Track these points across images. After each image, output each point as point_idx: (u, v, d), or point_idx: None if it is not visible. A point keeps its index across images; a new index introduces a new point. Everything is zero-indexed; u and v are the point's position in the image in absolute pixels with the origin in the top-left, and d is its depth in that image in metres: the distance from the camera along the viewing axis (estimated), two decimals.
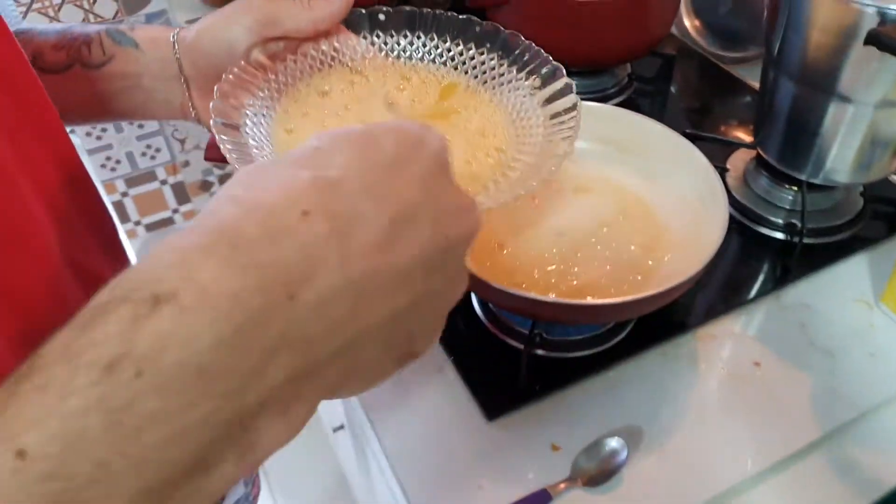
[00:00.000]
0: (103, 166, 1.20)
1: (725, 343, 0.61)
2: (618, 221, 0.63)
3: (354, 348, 0.24)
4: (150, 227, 1.35)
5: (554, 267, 0.60)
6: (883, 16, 0.51)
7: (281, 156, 0.25)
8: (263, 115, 0.49)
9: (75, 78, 0.49)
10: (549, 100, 0.50)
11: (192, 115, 0.50)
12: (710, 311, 0.63)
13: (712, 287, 0.64)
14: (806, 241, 0.66)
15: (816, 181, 0.66)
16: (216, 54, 0.47)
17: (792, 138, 0.65)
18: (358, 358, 0.24)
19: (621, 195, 0.65)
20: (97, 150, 1.18)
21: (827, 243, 0.68)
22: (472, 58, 0.52)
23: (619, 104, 0.85)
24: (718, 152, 0.76)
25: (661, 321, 0.60)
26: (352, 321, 0.23)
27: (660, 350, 0.60)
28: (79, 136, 1.14)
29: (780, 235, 0.68)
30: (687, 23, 0.95)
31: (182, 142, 1.25)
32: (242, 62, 0.47)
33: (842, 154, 0.62)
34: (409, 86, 0.53)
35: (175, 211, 1.36)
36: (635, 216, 0.63)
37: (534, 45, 0.51)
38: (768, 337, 0.61)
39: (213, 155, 0.59)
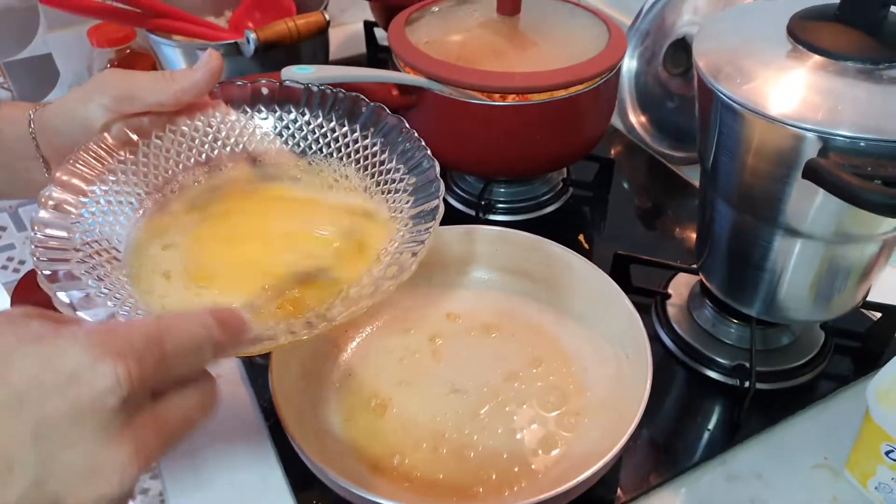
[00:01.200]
0: (5, 267, 1.10)
1: None
2: (530, 375, 0.52)
3: None
4: None
5: (447, 435, 0.49)
6: (825, 142, 0.42)
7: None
8: (120, 202, 0.43)
9: None
10: (416, 202, 0.45)
11: None
12: (640, 483, 0.51)
13: (644, 449, 0.53)
14: (758, 386, 0.55)
15: (767, 318, 0.56)
16: (70, 133, 0.44)
17: (735, 269, 0.55)
18: None
19: (536, 338, 0.55)
20: None
21: (783, 389, 0.57)
22: (356, 141, 0.49)
23: (554, 213, 0.76)
24: (659, 274, 0.66)
25: (580, 497, 0.49)
26: None
27: None
28: None
29: (727, 380, 0.58)
30: (632, 118, 0.87)
31: None
32: (92, 142, 0.43)
33: (794, 290, 0.53)
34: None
35: None
36: (551, 366, 0.53)
37: (415, 134, 0.48)
38: None
39: (23, 301, 0.50)
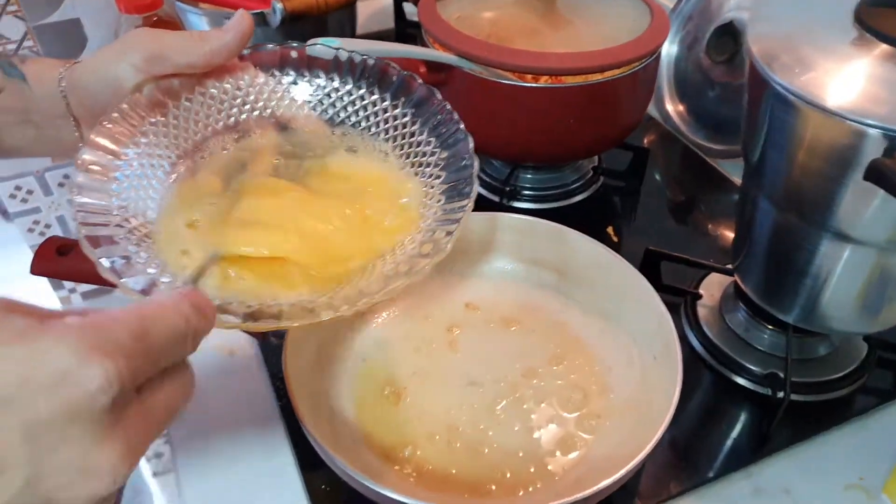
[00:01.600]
0: (31, 230, 1.10)
1: None
2: (550, 372, 0.50)
3: None
4: (87, 295, 1.23)
5: (462, 429, 0.46)
6: (891, 141, 0.38)
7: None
8: (153, 165, 0.42)
9: None
10: (449, 177, 0.43)
11: None
12: (659, 490, 0.49)
13: (665, 456, 0.51)
14: (792, 397, 0.52)
15: (806, 327, 0.53)
16: (101, 93, 0.43)
17: (774, 272, 0.52)
18: None
19: (558, 334, 0.52)
20: (23, 213, 1.08)
21: (817, 402, 0.54)
22: (386, 110, 0.46)
23: (583, 202, 0.73)
24: (690, 273, 0.63)
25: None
26: None
27: None
28: (2, 198, 1.05)
29: (758, 388, 0.55)
30: (669, 107, 0.83)
31: None
32: (125, 104, 0.41)
33: (839, 299, 0.49)
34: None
35: None
36: (573, 364, 0.50)
37: (448, 106, 0.45)
38: None
39: (42, 269, 0.48)
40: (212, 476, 0.49)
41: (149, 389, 0.26)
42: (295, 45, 0.48)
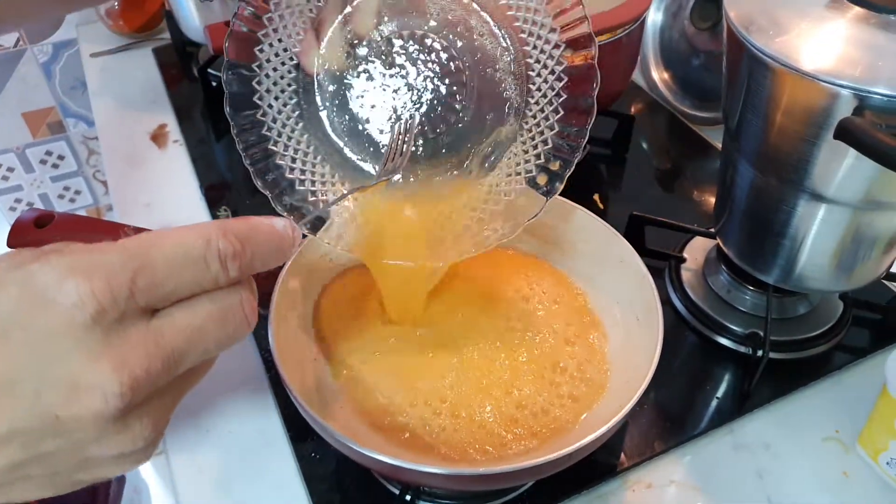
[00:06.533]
0: (12, 209, 1.10)
1: (663, 495, 0.48)
2: (534, 336, 0.51)
3: None
4: None
5: (447, 395, 0.47)
6: (861, 101, 0.39)
7: None
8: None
9: None
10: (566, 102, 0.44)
11: None
12: (644, 449, 0.50)
13: (650, 415, 0.52)
14: (771, 355, 0.54)
15: (784, 286, 0.54)
16: None
17: (754, 234, 0.53)
18: None
19: None
20: (4, 191, 1.08)
21: (796, 360, 0.55)
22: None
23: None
24: (675, 238, 0.64)
25: (581, 462, 0.48)
26: None
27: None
28: None
29: (739, 348, 0.56)
30: (655, 75, 0.84)
31: (105, 183, 1.15)
32: None
33: (815, 259, 0.50)
34: None
35: None
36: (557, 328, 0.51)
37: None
38: (716, 489, 0.48)
39: (19, 241, 0.48)
40: (202, 450, 0.50)
41: (166, 313, 0.26)
42: None
